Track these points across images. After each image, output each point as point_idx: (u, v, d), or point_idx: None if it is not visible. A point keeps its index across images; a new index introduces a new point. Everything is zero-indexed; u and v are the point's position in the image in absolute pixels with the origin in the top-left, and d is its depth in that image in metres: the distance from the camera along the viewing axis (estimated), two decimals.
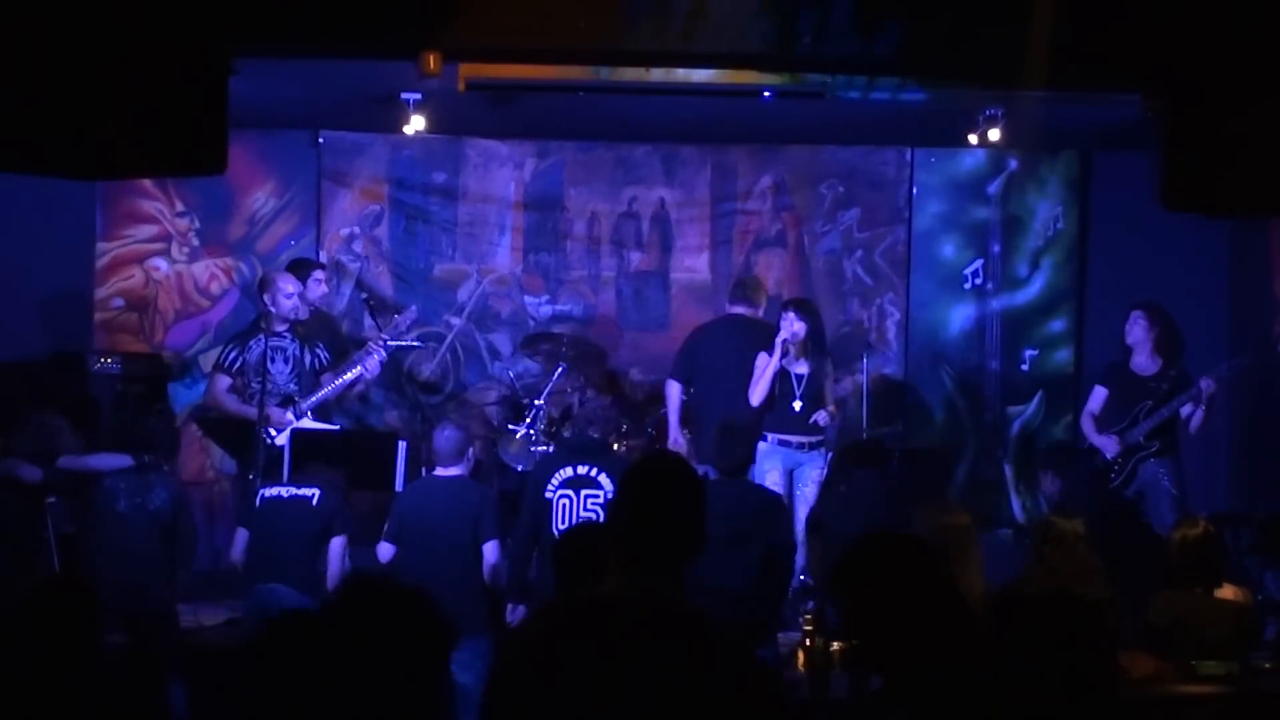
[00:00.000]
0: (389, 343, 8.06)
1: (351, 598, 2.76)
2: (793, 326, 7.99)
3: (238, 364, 7.86)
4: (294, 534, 6.67)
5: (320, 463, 6.96)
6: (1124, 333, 8.25)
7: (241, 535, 6.90)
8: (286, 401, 7.78)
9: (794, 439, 7.96)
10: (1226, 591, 5.80)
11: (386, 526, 6.73)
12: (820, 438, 8.06)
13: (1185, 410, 7.97)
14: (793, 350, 8.01)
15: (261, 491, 6.92)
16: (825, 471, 7.83)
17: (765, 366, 7.99)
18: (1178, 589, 5.74)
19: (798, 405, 7.99)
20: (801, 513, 7.58)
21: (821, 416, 7.98)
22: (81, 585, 3.94)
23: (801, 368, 8.05)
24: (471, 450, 6.91)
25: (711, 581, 5.99)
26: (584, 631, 2.77)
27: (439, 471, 6.78)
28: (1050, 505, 7.91)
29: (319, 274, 8.45)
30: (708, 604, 2.94)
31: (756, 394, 8.00)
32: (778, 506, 6.76)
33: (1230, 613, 5.71)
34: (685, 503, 2.90)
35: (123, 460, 6.87)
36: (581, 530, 5.12)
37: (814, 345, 8.08)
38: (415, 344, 8.74)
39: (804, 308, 8.20)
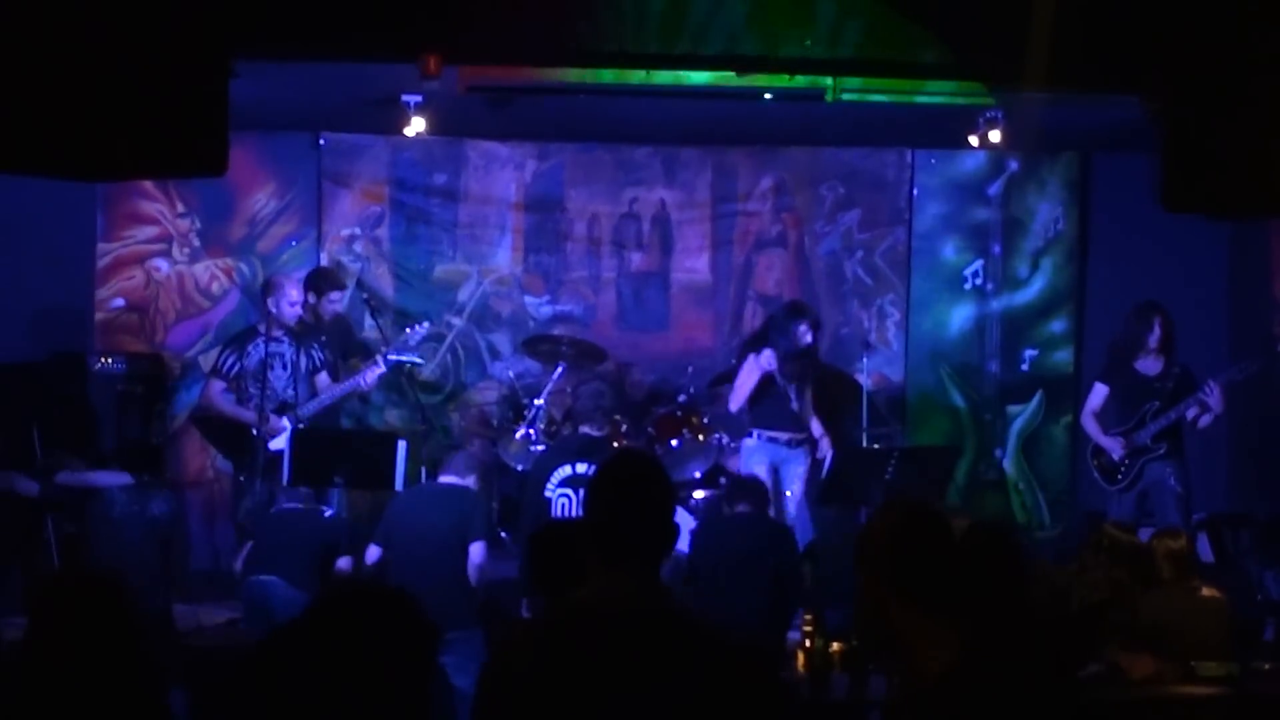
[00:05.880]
0: (389, 357, 8.05)
1: (332, 601, 2.76)
2: (805, 339, 7.98)
3: (235, 370, 7.85)
4: (299, 538, 6.70)
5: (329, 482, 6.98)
6: (1140, 333, 8.04)
7: (247, 547, 6.92)
8: (283, 408, 7.78)
9: (782, 435, 7.95)
10: (1206, 592, 5.85)
11: (376, 530, 6.77)
12: (805, 435, 8.06)
13: (1191, 413, 7.95)
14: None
15: (280, 503, 6.97)
16: (821, 481, 7.81)
17: (749, 375, 7.98)
18: (1160, 589, 5.79)
19: (795, 405, 7.99)
20: (791, 511, 7.56)
21: (816, 428, 8.01)
22: (111, 582, 3.84)
23: None
24: (473, 479, 6.92)
25: (723, 607, 6.02)
26: (576, 636, 2.77)
27: (440, 479, 6.80)
28: None
29: (335, 294, 8.38)
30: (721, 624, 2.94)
31: (735, 401, 8.01)
32: (788, 537, 6.76)
33: (1211, 610, 5.75)
34: (658, 501, 2.91)
35: (122, 478, 6.91)
36: (552, 528, 5.18)
37: (815, 347, 8.10)
38: (417, 360, 8.71)
39: (812, 318, 8.15)
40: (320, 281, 8.33)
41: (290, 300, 7.82)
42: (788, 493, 7.89)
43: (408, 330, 8.21)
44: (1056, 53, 5.21)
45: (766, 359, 7.92)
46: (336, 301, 8.44)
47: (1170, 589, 5.78)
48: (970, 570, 3.09)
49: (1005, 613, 3.57)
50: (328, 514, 6.77)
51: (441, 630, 4.39)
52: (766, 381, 7.99)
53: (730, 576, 6.32)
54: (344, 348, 8.53)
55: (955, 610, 2.70)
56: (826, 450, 8.10)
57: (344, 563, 6.78)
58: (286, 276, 8.24)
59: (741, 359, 8.22)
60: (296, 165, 9.44)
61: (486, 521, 6.67)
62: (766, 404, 8.03)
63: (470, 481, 6.80)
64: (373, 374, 7.95)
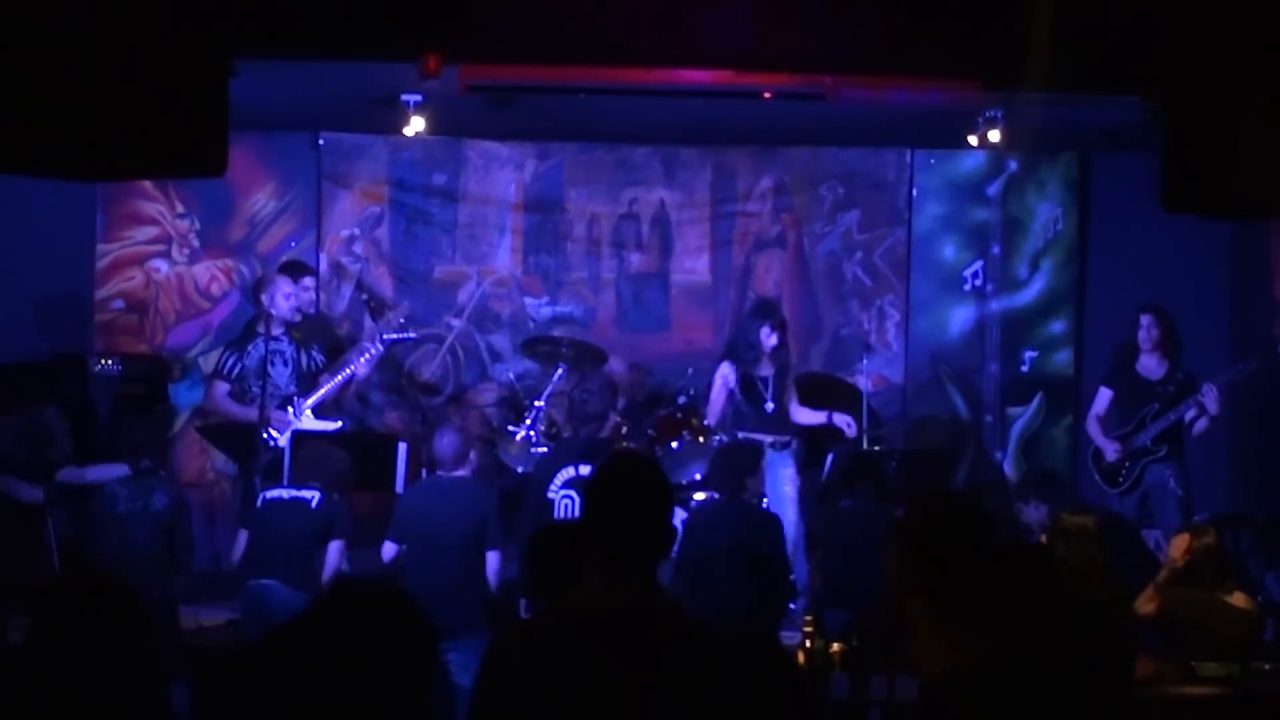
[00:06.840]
0: (384, 337, 8.05)
1: (334, 602, 2.76)
2: (769, 341, 7.97)
3: (236, 370, 7.85)
4: (291, 534, 6.67)
5: (321, 464, 6.95)
6: (1133, 335, 8.12)
7: (242, 537, 6.91)
8: (286, 403, 7.78)
9: (765, 438, 7.94)
10: (1237, 598, 5.82)
11: (390, 526, 6.73)
12: (789, 437, 8.05)
13: (1189, 415, 7.96)
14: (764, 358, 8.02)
15: (263, 494, 6.93)
16: (822, 481, 7.80)
17: (718, 391, 8.00)
18: (1189, 588, 5.77)
19: (770, 406, 7.98)
20: (788, 514, 7.57)
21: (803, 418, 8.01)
22: (114, 580, 3.82)
23: (766, 370, 8.03)
24: (473, 455, 6.91)
25: (711, 596, 6.02)
26: (572, 636, 2.78)
27: (441, 473, 6.78)
28: (1035, 534, 7.72)
29: (308, 280, 8.43)
30: (708, 617, 2.95)
31: (711, 415, 8.00)
32: (772, 525, 6.75)
33: (1240, 618, 5.73)
34: (656, 502, 2.91)
35: (119, 470, 6.90)
36: (554, 530, 5.18)
37: (781, 348, 8.06)
38: (410, 336, 8.70)
39: (773, 315, 8.12)
40: (291, 270, 8.33)
41: (285, 293, 7.82)
42: (786, 489, 7.86)
43: (389, 313, 8.27)
44: (1056, 53, 5.22)
45: (725, 375, 7.97)
46: (309, 289, 8.45)
47: (1197, 588, 5.75)
48: (1000, 585, 3.06)
49: (1030, 626, 3.52)
50: (314, 502, 6.74)
51: (453, 628, 4.38)
52: (744, 384, 7.99)
53: (713, 564, 6.32)
54: (325, 345, 8.52)
55: (977, 615, 2.68)
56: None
57: (335, 547, 6.74)
58: (277, 273, 8.24)
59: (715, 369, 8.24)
60: (296, 165, 9.44)
61: (501, 526, 6.67)
62: (745, 407, 8.02)
63: (470, 466, 6.79)
64: (365, 362, 7.96)
